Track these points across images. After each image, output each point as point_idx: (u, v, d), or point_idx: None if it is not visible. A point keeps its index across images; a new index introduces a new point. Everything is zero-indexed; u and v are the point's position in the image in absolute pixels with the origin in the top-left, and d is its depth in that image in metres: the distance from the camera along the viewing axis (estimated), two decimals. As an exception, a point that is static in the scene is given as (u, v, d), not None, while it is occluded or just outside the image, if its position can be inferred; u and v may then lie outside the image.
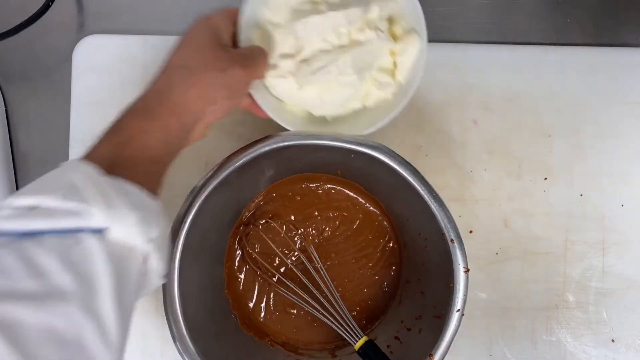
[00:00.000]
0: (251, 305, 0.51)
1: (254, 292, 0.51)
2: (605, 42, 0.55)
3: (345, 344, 0.49)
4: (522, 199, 0.53)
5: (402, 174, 0.43)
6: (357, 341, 0.44)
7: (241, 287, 0.51)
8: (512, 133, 0.54)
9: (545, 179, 0.53)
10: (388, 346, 0.47)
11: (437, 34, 0.55)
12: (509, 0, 0.56)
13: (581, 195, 0.53)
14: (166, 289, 0.42)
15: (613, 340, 0.52)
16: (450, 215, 0.42)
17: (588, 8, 0.56)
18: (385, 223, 0.52)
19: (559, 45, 0.55)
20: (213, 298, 0.49)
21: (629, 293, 0.53)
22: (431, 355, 0.41)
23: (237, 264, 0.51)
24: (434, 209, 0.42)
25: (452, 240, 0.42)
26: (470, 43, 0.54)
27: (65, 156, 0.52)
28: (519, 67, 0.54)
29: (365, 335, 0.45)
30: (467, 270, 0.41)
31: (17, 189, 0.53)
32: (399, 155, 0.43)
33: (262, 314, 0.51)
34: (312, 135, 0.43)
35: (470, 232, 0.53)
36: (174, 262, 0.42)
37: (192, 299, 0.43)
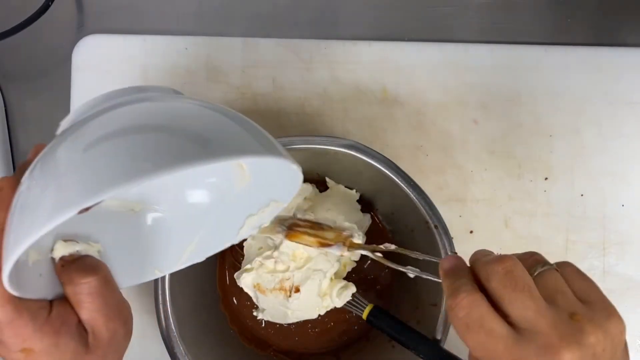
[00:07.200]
0: (250, 318, 0.50)
1: (251, 305, 0.50)
2: (606, 42, 0.55)
3: (348, 342, 0.50)
4: (522, 199, 0.53)
5: (379, 168, 0.43)
6: (363, 311, 0.44)
7: (236, 301, 0.51)
8: (512, 133, 0.54)
9: (546, 179, 0.53)
10: (389, 341, 0.47)
11: (437, 34, 0.56)
12: (509, 0, 0.56)
13: (582, 195, 0.53)
14: (160, 311, 0.42)
15: (614, 341, 0.52)
16: (431, 201, 0.43)
17: (589, 8, 0.56)
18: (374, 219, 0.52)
19: (560, 45, 0.55)
20: (208, 315, 0.49)
21: (630, 293, 0.53)
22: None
23: (228, 279, 0.51)
24: (414, 198, 0.42)
25: (435, 226, 0.42)
26: (470, 43, 0.54)
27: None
28: (519, 67, 0.54)
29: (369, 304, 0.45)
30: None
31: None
32: (373, 150, 0.43)
33: (263, 325, 0.51)
34: (282, 142, 0.43)
35: (471, 232, 0.52)
36: (165, 285, 0.42)
37: (187, 319, 0.43)
